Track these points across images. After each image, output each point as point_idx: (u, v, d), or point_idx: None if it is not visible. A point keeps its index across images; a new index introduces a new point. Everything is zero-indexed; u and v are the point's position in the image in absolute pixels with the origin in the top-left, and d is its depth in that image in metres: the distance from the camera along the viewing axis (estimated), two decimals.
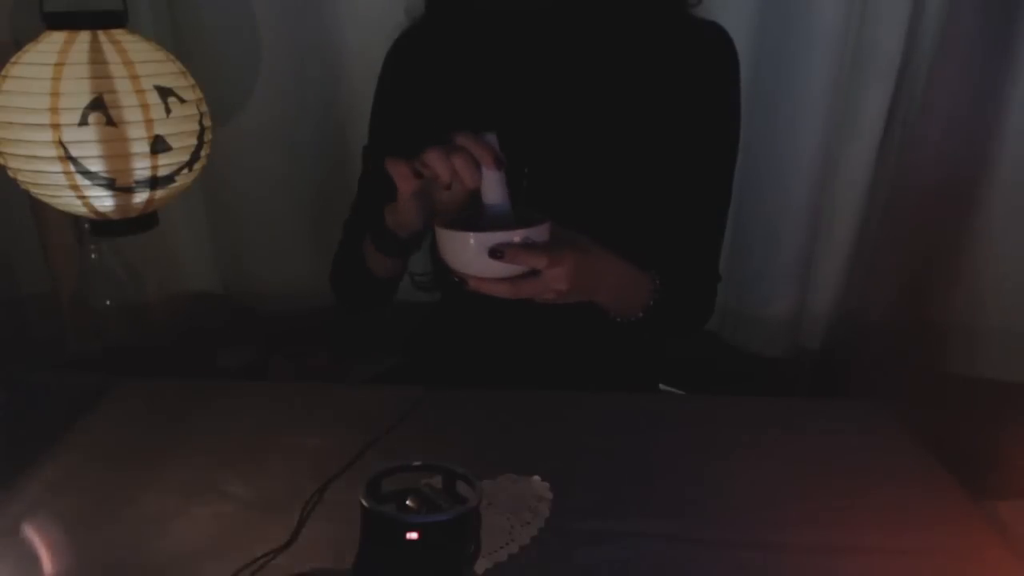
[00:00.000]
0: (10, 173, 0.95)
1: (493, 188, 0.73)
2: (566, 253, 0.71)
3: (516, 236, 0.68)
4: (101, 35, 0.91)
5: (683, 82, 0.89)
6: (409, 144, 0.96)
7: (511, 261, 0.68)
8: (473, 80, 0.94)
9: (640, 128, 0.90)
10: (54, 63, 0.88)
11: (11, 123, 0.89)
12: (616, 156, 0.90)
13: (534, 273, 0.71)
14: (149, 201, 0.98)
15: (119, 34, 0.92)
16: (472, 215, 0.74)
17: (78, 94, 0.88)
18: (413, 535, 0.48)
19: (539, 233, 0.70)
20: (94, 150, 0.90)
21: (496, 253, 0.68)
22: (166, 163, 0.95)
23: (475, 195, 0.75)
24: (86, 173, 0.91)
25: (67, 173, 0.90)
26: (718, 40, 0.90)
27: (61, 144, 0.88)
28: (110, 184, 0.92)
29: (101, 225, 1.01)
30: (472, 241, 0.69)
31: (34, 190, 0.95)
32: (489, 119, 0.91)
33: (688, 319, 0.98)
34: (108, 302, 1.35)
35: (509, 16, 0.88)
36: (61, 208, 0.97)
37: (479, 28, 0.92)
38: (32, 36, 0.92)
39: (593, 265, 0.77)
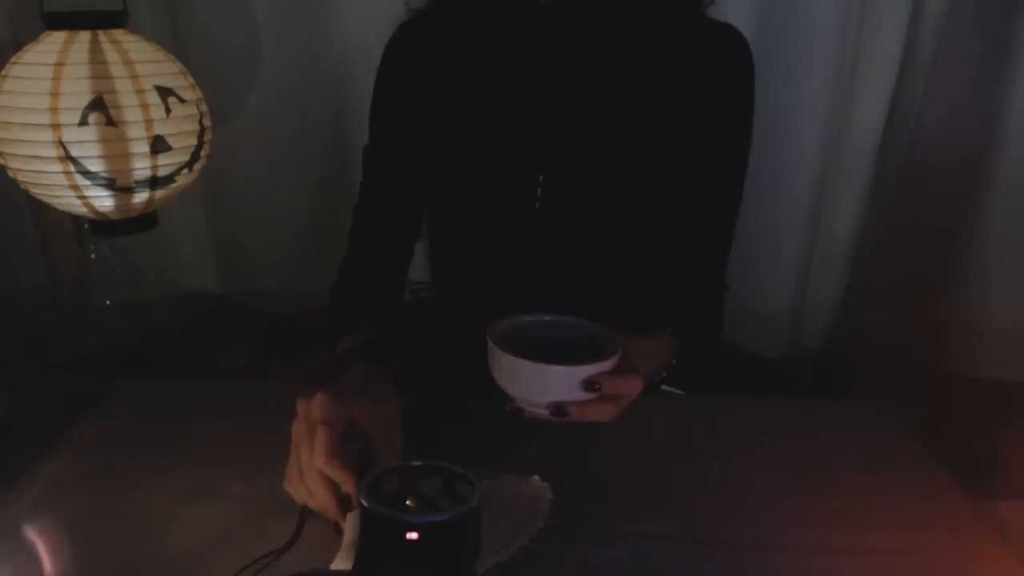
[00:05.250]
0: (10, 173, 0.95)
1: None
2: (630, 361, 0.69)
3: (608, 365, 0.66)
4: (101, 35, 0.91)
5: (699, 86, 0.88)
6: (412, 143, 0.95)
7: (609, 390, 0.66)
8: (482, 78, 0.91)
9: (656, 133, 0.88)
10: (54, 63, 0.88)
11: (11, 123, 0.89)
12: (633, 163, 0.89)
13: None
14: (149, 201, 0.98)
15: (119, 34, 0.92)
16: (507, 330, 0.70)
17: (78, 94, 0.88)
18: (413, 535, 0.48)
19: (618, 356, 0.67)
20: (94, 150, 0.90)
21: (591, 385, 0.65)
22: (166, 163, 0.95)
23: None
24: (86, 173, 0.91)
25: (67, 173, 0.90)
26: (734, 44, 0.88)
27: (61, 144, 0.88)
28: (110, 184, 0.92)
29: (101, 225, 1.01)
30: (569, 375, 0.65)
31: (34, 190, 0.95)
32: (498, 120, 0.91)
33: (704, 349, 0.96)
34: (108, 301, 1.35)
35: (521, 11, 0.86)
36: (61, 208, 0.97)
37: (489, 23, 0.89)
38: (32, 36, 0.92)
39: (638, 355, 0.73)
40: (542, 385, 0.67)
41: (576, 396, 0.66)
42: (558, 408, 0.66)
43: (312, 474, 0.64)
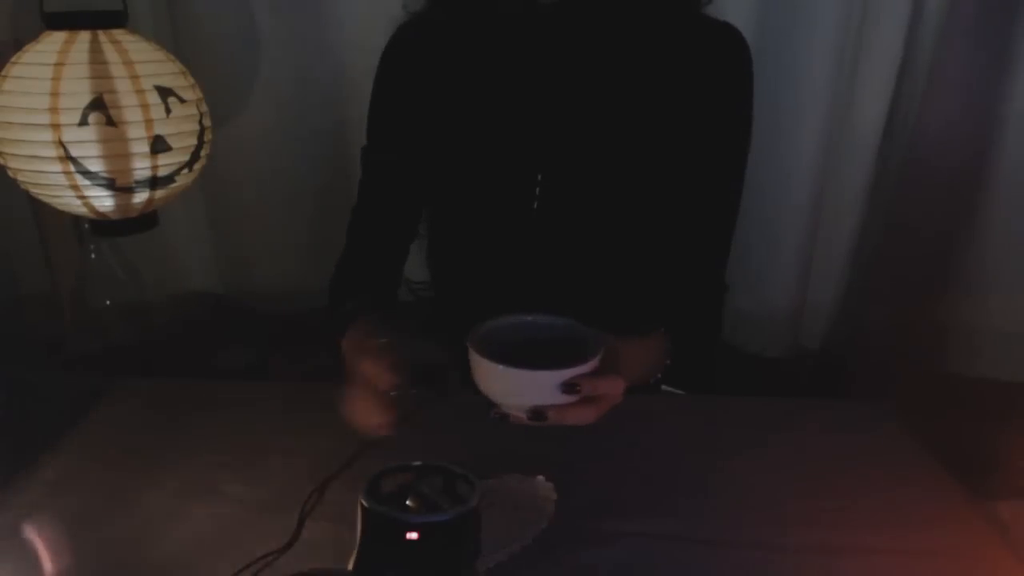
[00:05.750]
0: (10, 173, 0.95)
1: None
2: (615, 361, 0.68)
3: (587, 367, 0.64)
4: (101, 35, 0.91)
5: (698, 85, 0.87)
6: (410, 143, 0.95)
7: (588, 392, 0.64)
8: (480, 78, 0.91)
9: (655, 133, 0.88)
10: (54, 63, 0.88)
11: (11, 123, 0.89)
12: (632, 162, 0.88)
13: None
14: (149, 201, 0.98)
15: (119, 34, 0.93)
16: (488, 334, 0.68)
17: (78, 94, 0.88)
18: (413, 535, 0.48)
19: (599, 357, 0.65)
20: (94, 150, 0.90)
21: (570, 388, 0.63)
22: (166, 163, 0.95)
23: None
24: (86, 173, 0.91)
25: (67, 173, 0.90)
26: (733, 43, 0.88)
27: (61, 144, 0.88)
28: (110, 184, 0.92)
29: (101, 225, 1.01)
30: (546, 379, 0.63)
31: (34, 190, 0.95)
32: (497, 120, 0.91)
33: (704, 350, 0.95)
34: (108, 302, 1.35)
35: (519, 11, 0.85)
36: (61, 208, 0.97)
37: (488, 23, 0.89)
38: (32, 36, 0.92)
39: (627, 355, 0.72)
40: (520, 390, 0.65)
41: (556, 399, 0.64)
42: (536, 412, 0.65)
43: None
